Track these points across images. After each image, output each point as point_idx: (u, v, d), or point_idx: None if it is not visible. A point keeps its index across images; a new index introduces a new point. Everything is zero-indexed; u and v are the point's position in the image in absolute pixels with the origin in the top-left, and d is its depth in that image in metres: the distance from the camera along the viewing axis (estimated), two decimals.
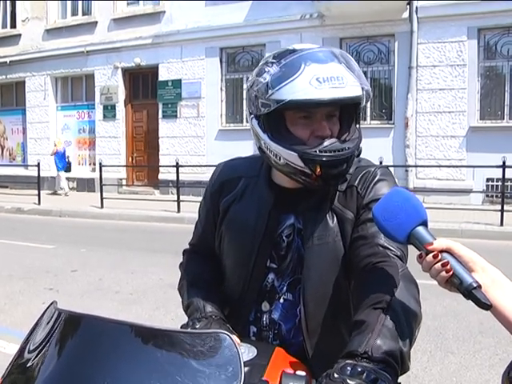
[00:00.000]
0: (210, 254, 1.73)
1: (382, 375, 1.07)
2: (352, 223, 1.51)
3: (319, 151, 1.40)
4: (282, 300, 1.58)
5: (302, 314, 1.53)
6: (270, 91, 1.40)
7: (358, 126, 1.50)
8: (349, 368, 1.08)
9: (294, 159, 1.42)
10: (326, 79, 1.36)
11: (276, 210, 1.57)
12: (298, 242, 1.56)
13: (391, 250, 1.41)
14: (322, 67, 1.38)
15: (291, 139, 1.43)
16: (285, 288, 1.57)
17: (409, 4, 12.82)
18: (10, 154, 20.13)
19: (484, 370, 4.15)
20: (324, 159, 1.40)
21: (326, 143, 1.41)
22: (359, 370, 1.07)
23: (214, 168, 1.79)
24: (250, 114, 1.51)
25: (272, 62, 1.44)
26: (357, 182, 1.53)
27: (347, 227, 1.50)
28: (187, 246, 1.85)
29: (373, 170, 1.55)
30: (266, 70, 1.43)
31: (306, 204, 1.55)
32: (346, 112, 1.47)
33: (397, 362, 1.14)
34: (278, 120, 1.44)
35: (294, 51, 1.44)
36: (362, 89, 1.44)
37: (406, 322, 1.22)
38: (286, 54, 1.44)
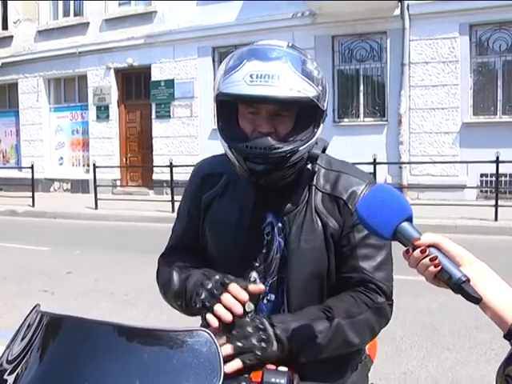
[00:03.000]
0: (190, 251, 1.69)
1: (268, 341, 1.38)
2: (336, 233, 1.53)
3: (245, 146, 1.42)
4: (265, 301, 1.58)
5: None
6: (217, 83, 1.46)
7: (316, 130, 1.48)
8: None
9: (227, 149, 1.47)
10: (259, 76, 1.37)
11: (258, 207, 1.57)
12: (279, 241, 1.55)
13: (381, 287, 1.52)
14: (261, 64, 1.39)
15: (236, 131, 1.47)
16: (268, 288, 1.57)
17: (400, 1, 12.83)
18: (3, 157, 20.08)
19: (480, 365, 4.15)
20: (248, 154, 1.42)
21: (257, 139, 1.42)
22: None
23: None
24: None
25: (231, 56, 1.49)
26: (346, 196, 1.53)
27: (330, 235, 1.52)
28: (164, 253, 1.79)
29: (363, 187, 1.54)
30: (227, 61, 1.48)
31: (288, 203, 1.55)
32: (303, 113, 1.46)
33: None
34: (229, 111, 1.48)
35: (249, 46, 1.49)
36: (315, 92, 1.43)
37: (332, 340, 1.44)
38: (243, 49, 1.49)
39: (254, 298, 1.56)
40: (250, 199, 1.57)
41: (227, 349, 1.35)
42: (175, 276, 1.57)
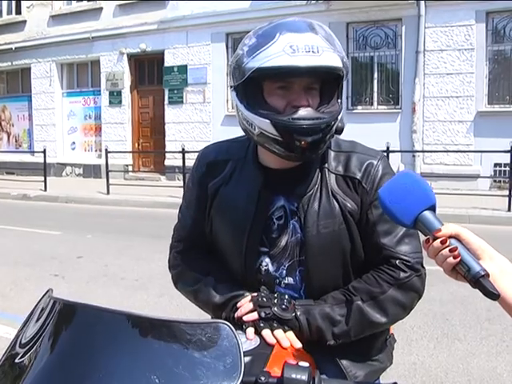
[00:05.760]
0: (206, 247, 1.69)
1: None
2: (355, 213, 1.51)
3: (292, 118, 1.38)
4: (282, 285, 1.57)
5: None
6: (245, 60, 1.41)
7: (339, 100, 1.48)
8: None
9: (267, 127, 1.40)
10: (299, 47, 1.35)
11: (265, 191, 1.54)
12: (293, 224, 1.53)
13: (406, 260, 1.50)
14: (298, 36, 1.37)
15: (266, 108, 1.42)
16: (284, 272, 1.56)
17: None
18: (16, 141, 20.16)
19: (491, 356, 4.12)
20: (296, 126, 1.38)
21: (300, 111, 1.39)
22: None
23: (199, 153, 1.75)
24: (231, 87, 1.50)
25: (250, 35, 1.45)
26: (360, 175, 1.51)
27: (349, 217, 1.50)
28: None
29: (375, 162, 1.53)
30: (245, 42, 1.45)
31: (301, 186, 1.53)
32: (327, 86, 1.45)
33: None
34: (254, 90, 1.43)
35: (272, 23, 1.45)
36: (342, 61, 1.43)
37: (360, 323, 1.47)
38: (264, 26, 1.44)
39: (270, 282, 1.56)
40: (257, 182, 1.55)
41: (248, 305, 1.48)
42: (211, 291, 1.59)
